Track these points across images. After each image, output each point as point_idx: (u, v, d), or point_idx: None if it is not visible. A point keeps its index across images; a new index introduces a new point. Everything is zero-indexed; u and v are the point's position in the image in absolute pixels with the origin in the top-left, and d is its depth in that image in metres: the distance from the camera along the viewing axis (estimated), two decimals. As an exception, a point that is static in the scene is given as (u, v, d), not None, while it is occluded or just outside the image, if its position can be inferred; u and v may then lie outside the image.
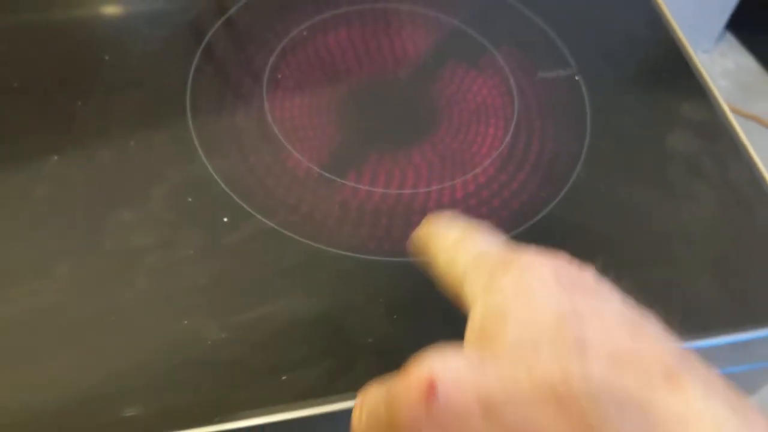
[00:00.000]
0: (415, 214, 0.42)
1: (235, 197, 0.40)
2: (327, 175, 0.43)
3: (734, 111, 1.00)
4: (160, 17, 0.47)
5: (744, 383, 0.45)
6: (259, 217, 0.40)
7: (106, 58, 0.45)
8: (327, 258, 0.39)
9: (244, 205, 0.40)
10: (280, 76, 0.47)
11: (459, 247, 0.27)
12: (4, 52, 0.44)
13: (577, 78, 0.48)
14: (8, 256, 0.36)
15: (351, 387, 0.34)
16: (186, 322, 0.35)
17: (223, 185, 0.41)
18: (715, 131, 0.46)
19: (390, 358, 0.34)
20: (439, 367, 0.21)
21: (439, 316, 0.36)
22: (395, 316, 0.37)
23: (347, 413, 0.33)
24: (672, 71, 0.50)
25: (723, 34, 1.07)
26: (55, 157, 0.40)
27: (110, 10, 0.47)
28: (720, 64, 1.08)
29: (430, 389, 0.20)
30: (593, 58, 0.49)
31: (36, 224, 0.38)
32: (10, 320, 0.34)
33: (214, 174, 0.41)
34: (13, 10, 0.46)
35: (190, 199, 0.40)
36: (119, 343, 0.34)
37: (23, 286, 0.35)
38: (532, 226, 0.41)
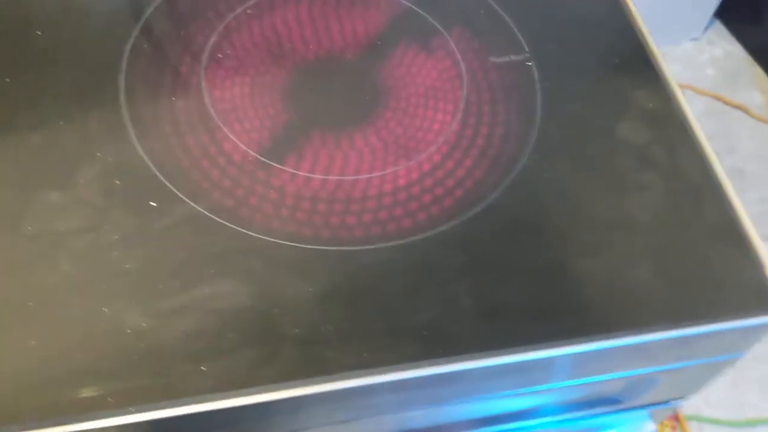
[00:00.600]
0: (354, 202, 0.41)
1: (165, 181, 0.39)
2: (264, 159, 0.41)
3: (720, 100, 0.99)
4: (84, 26, 0.45)
5: (686, 380, 0.45)
6: (190, 202, 0.39)
7: (39, 33, 0.43)
8: (259, 246, 0.37)
9: (175, 190, 0.39)
10: (220, 56, 0.45)
11: None
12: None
13: (529, 63, 0.47)
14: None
15: (274, 378, 0.33)
16: (106, 309, 0.34)
17: (153, 168, 0.39)
18: (668, 119, 0.45)
19: (316, 349, 0.33)
20: None
21: (369, 307, 0.35)
22: (325, 307, 0.36)
23: (270, 405, 0.32)
24: (628, 59, 0.48)
25: (712, 22, 1.06)
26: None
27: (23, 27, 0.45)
28: (708, 52, 1.07)
29: None
30: (548, 44, 0.48)
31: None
32: None
33: (144, 156, 0.40)
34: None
35: (117, 182, 0.38)
36: (36, 330, 0.33)
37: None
38: (475, 215, 0.40)
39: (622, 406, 0.48)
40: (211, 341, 0.34)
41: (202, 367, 0.33)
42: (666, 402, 0.50)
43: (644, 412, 0.50)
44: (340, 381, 0.34)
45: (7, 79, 0.41)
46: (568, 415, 0.48)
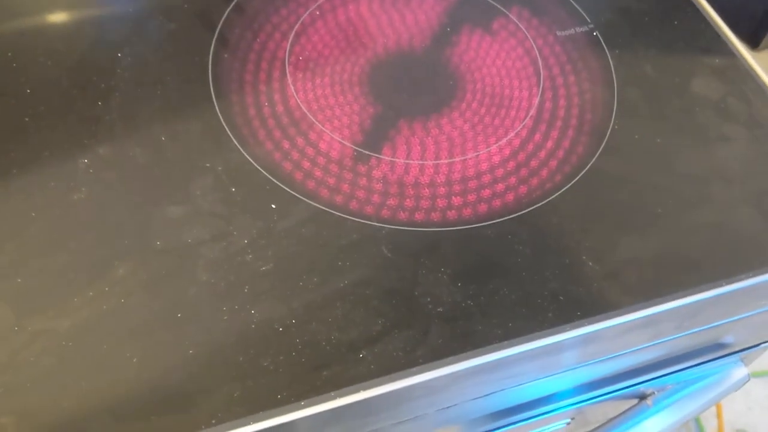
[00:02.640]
0: (455, 183, 0.42)
1: (278, 183, 0.40)
2: (362, 151, 0.42)
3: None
4: (168, 10, 0.46)
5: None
6: (306, 200, 0.39)
7: (119, 55, 0.44)
8: (383, 234, 0.38)
9: (289, 190, 0.39)
10: (300, 58, 0.46)
11: None
12: (9, 59, 0.43)
13: (595, 34, 0.48)
14: (61, 266, 0.35)
15: (430, 356, 0.34)
16: (254, 311, 0.35)
17: (264, 172, 0.40)
18: (737, 73, 0.46)
19: (462, 325, 0.34)
20: None
21: (502, 280, 0.36)
22: (459, 284, 0.37)
23: (428, 384, 0.33)
24: (684, 20, 0.50)
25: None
26: (85, 161, 0.39)
27: (115, 8, 0.45)
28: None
29: None
30: (606, 14, 0.50)
31: (81, 231, 0.36)
32: (77, 329, 0.33)
33: (252, 162, 0.40)
34: (14, 13, 0.44)
35: (233, 189, 0.39)
36: (190, 339, 0.33)
37: (83, 294, 0.34)
38: (577, 182, 0.41)
39: (724, 351, 0.49)
40: (362, 329, 0.35)
41: (360, 354, 0.34)
42: (758, 345, 0.51)
43: (736, 358, 0.52)
44: (493, 352, 0.34)
45: (100, 103, 0.41)
46: (673, 368, 0.49)
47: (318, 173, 0.41)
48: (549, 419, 0.50)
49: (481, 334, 0.35)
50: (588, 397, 0.49)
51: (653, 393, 0.52)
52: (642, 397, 0.53)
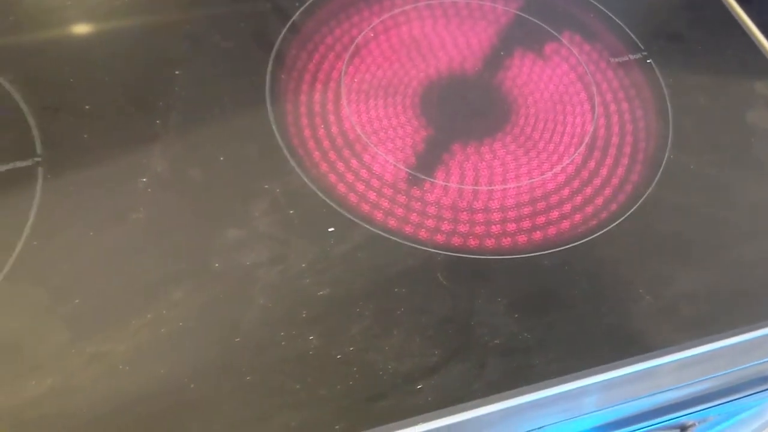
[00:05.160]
0: (510, 209, 0.41)
1: (334, 206, 0.40)
2: (416, 174, 0.42)
3: None
4: (225, 29, 0.46)
5: None
6: (362, 224, 0.39)
7: (177, 73, 0.44)
8: (436, 260, 0.38)
9: (345, 213, 0.39)
10: (355, 79, 0.46)
11: None
12: (68, 75, 0.43)
13: (649, 61, 0.48)
14: (119, 288, 0.35)
15: (487, 390, 0.34)
16: (311, 337, 0.35)
17: (320, 194, 0.40)
18: (794, 104, 0.46)
19: (519, 358, 0.34)
20: None
21: (559, 312, 0.36)
22: (516, 315, 0.36)
23: (484, 418, 0.33)
24: (737, 49, 0.49)
25: None
26: (144, 179, 0.39)
27: (175, 25, 0.46)
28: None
29: None
30: (660, 42, 0.49)
31: (139, 251, 0.36)
32: (135, 352, 0.33)
33: (309, 184, 0.40)
34: (72, 30, 0.45)
35: (291, 212, 0.39)
36: (247, 365, 0.33)
37: (141, 317, 0.34)
38: (633, 212, 0.41)
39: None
40: (419, 360, 0.34)
41: (418, 386, 0.34)
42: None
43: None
44: (549, 388, 0.34)
45: (158, 121, 0.42)
46: (718, 401, 0.48)
47: (372, 196, 0.41)
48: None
49: (538, 369, 0.35)
50: (631, 430, 0.48)
51: (694, 424, 0.52)
52: (683, 428, 0.52)
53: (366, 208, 0.40)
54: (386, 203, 0.41)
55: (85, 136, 0.41)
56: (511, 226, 0.41)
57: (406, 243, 0.39)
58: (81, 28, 0.45)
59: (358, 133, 0.44)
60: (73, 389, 0.32)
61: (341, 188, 0.41)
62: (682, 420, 0.49)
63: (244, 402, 0.33)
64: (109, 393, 0.32)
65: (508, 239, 0.40)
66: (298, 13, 0.48)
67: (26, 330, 0.33)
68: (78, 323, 0.34)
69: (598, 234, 0.40)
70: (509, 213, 0.42)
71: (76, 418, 0.31)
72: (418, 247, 0.39)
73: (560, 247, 0.39)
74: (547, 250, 0.39)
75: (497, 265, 0.38)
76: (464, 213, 0.41)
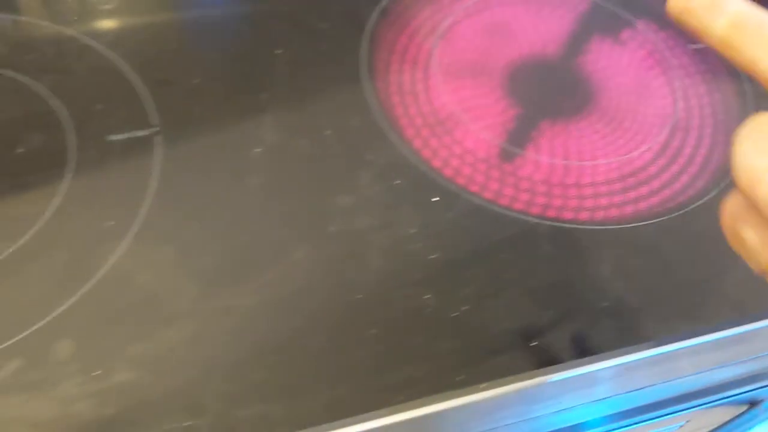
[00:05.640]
0: (600, 184, 0.43)
1: (436, 178, 0.41)
2: (508, 149, 0.44)
3: None
4: (321, 11, 0.48)
5: None
6: (464, 195, 0.41)
7: (278, 52, 0.46)
8: (538, 229, 0.40)
9: (447, 185, 0.41)
10: (445, 59, 0.48)
11: None
12: (176, 51, 0.45)
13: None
14: (243, 247, 0.37)
15: (600, 348, 0.35)
16: (427, 296, 0.36)
17: (421, 167, 0.42)
18: None
19: (629, 319, 0.35)
20: None
21: (660, 277, 0.37)
22: (620, 280, 0.38)
23: (600, 373, 0.34)
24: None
25: None
26: (258, 150, 0.41)
27: (274, 7, 0.48)
28: None
29: None
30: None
31: (259, 213, 0.38)
32: (261, 307, 0.35)
33: (409, 157, 0.42)
34: (181, 8, 0.47)
35: (398, 181, 0.40)
36: (371, 319, 0.35)
37: (265, 275, 0.36)
38: (724, 187, 0.42)
39: None
40: (531, 319, 0.36)
41: (532, 343, 0.35)
42: None
43: None
44: (662, 346, 0.36)
45: (264, 95, 0.43)
46: None
47: (467, 170, 0.43)
48: (665, 422, 0.51)
49: (649, 329, 0.36)
50: (701, 402, 0.50)
51: (765, 399, 0.53)
52: (753, 403, 0.53)
53: (462, 181, 0.42)
54: (481, 177, 0.43)
55: (197, 108, 0.42)
56: (603, 201, 0.42)
57: (507, 213, 0.40)
58: (188, 8, 0.47)
59: (450, 110, 0.46)
60: (206, 338, 0.34)
61: (437, 162, 0.43)
62: (753, 395, 0.50)
63: (369, 354, 0.34)
64: (240, 343, 0.34)
65: (601, 212, 0.42)
66: (387, -2, 0.49)
67: (159, 285, 0.35)
68: (206, 279, 0.36)
69: (690, 208, 0.41)
70: (600, 188, 0.43)
71: (211, 364, 0.33)
72: (518, 216, 0.40)
73: (653, 220, 0.41)
74: (641, 221, 0.41)
75: (595, 234, 0.40)
76: (557, 187, 0.43)
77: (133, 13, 0.46)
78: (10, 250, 0.36)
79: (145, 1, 0.47)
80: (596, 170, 0.44)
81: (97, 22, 0.46)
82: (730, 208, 0.20)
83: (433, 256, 0.38)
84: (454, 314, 0.36)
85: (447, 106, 0.46)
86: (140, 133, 0.40)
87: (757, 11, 0.20)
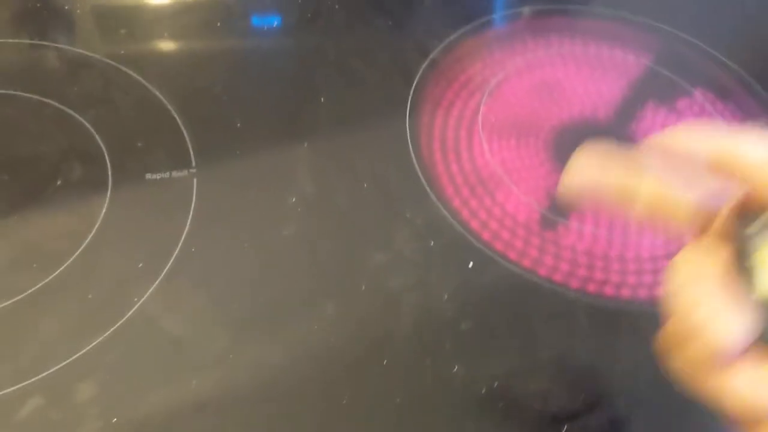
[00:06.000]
0: (645, 261, 0.41)
1: (473, 241, 0.40)
2: (550, 216, 0.42)
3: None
4: (369, 59, 0.47)
5: None
6: (500, 261, 0.39)
7: (322, 100, 0.45)
8: (577, 304, 0.38)
9: (483, 249, 0.40)
10: (491, 117, 0.47)
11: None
12: (220, 91, 0.45)
13: (786, 123, 0.48)
14: (273, 298, 0.36)
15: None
16: (456, 368, 0.35)
17: (458, 228, 0.40)
18: None
19: (668, 413, 0.33)
20: None
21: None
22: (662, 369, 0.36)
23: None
24: None
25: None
26: (293, 199, 0.40)
27: (322, 52, 0.47)
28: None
29: None
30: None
31: (290, 265, 0.37)
32: (289, 361, 0.34)
33: (448, 217, 0.41)
34: (224, 49, 0.47)
35: (434, 242, 0.39)
36: (397, 388, 0.34)
37: (295, 327, 0.35)
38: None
39: None
40: (562, 401, 0.34)
41: (563, 429, 0.33)
42: None
43: None
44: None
45: (305, 144, 0.43)
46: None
47: (506, 234, 0.41)
48: None
49: (687, 428, 0.34)
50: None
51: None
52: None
53: (500, 246, 0.41)
54: (520, 243, 0.41)
55: (237, 151, 0.42)
56: (647, 278, 0.41)
57: (544, 283, 0.39)
58: (234, 47, 0.47)
59: (492, 170, 0.44)
60: (232, 390, 0.33)
61: (475, 224, 0.42)
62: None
63: (391, 424, 0.33)
64: (265, 397, 0.33)
65: (645, 290, 0.40)
66: (437, 50, 0.49)
67: (187, 331, 0.34)
68: (235, 329, 0.35)
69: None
70: (645, 264, 0.41)
71: (235, 417, 0.32)
72: (557, 288, 0.39)
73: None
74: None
75: (638, 315, 0.38)
76: (599, 259, 0.41)
77: (182, 51, 0.46)
78: (40, 285, 0.35)
79: (194, 40, 0.47)
80: (641, 245, 0.42)
81: (145, 56, 0.46)
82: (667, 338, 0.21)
83: (464, 326, 0.36)
84: (483, 390, 0.34)
85: (489, 165, 0.45)
86: (178, 174, 0.40)
87: (667, 188, 0.21)
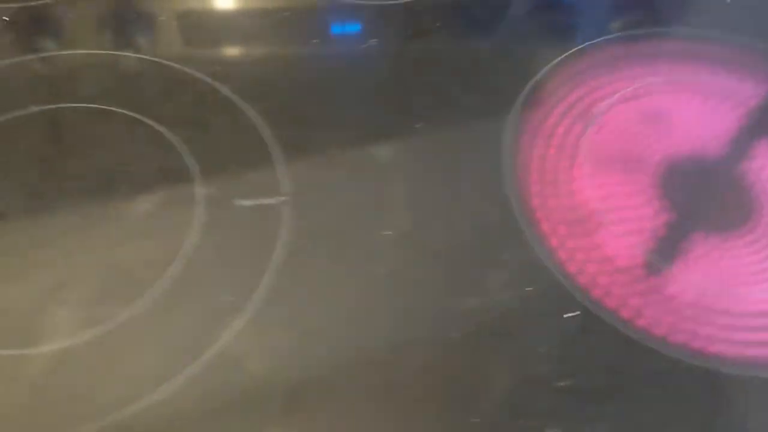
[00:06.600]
0: (757, 316, 0.38)
1: (572, 286, 0.38)
2: (653, 262, 0.40)
3: None
4: (467, 84, 0.45)
5: None
6: (600, 313, 0.37)
7: (418, 126, 0.43)
8: (684, 366, 0.35)
9: (581, 300, 0.37)
10: (592, 151, 0.44)
11: None
12: (315, 115, 0.43)
13: None
14: (362, 339, 0.35)
15: None
16: (552, 431, 0.33)
17: (556, 273, 0.38)
18: None
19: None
20: None
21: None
22: (771, 441, 0.33)
23: None
24: None
25: None
26: (387, 233, 0.39)
27: (418, 76, 0.46)
28: None
29: None
30: None
31: (382, 305, 0.36)
32: (374, 414, 0.33)
33: (545, 259, 0.39)
34: (323, 71, 0.45)
35: (530, 288, 0.37)
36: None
37: (383, 377, 0.34)
38: None
39: None
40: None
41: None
42: None
43: None
44: None
45: (400, 175, 0.41)
46: None
47: (604, 280, 0.39)
48: None
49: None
50: None
51: None
52: None
53: (599, 293, 0.38)
54: (619, 290, 0.39)
55: (329, 180, 0.41)
56: (764, 335, 0.38)
57: (645, 338, 0.36)
58: (331, 68, 0.46)
59: (593, 207, 0.42)
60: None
61: (572, 267, 0.39)
62: None
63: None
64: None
65: (754, 349, 0.37)
66: (539, 75, 0.46)
67: (271, 373, 0.33)
68: (319, 373, 0.34)
69: None
70: (756, 320, 0.38)
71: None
72: (659, 344, 0.36)
73: (818, 370, 0.36)
74: (802, 371, 0.36)
75: (747, 380, 0.35)
76: (706, 312, 0.38)
77: (276, 70, 0.45)
78: (121, 317, 0.35)
79: (289, 58, 0.46)
80: (753, 299, 0.39)
81: (238, 74, 0.45)
82: None
83: (562, 383, 0.34)
84: (584, 456, 0.32)
85: (590, 202, 0.42)
86: (268, 201, 0.39)
87: None
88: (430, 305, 0.36)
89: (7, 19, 0.47)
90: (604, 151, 0.45)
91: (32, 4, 0.48)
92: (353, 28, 0.48)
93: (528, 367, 0.35)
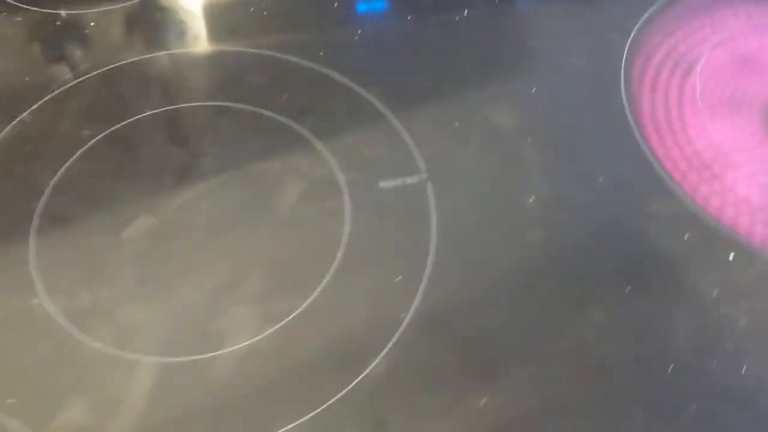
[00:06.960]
0: None
1: (721, 233, 0.38)
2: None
3: None
4: (572, 47, 0.45)
5: None
6: (757, 250, 0.38)
7: (534, 90, 0.43)
8: None
9: (737, 238, 0.38)
10: (707, 96, 0.45)
11: None
12: (432, 90, 0.43)
13: None
14: (527, 309, 0.35)
15: None
16: (745, 368, 0.33)
17: (706, 217, 0.39)
18: None
19: None
20: None
21: None
22: None
23: None
24: None
25: None
26: (532, 198, 0.39)
27: (531, 46, 0.45)
28: None
29: None
30: None
31: (541, 272, 0.36)
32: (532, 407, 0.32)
33: (689, 209, 0.39)
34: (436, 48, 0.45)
35: (686, 236, 0.38)
36: (686, 392, 0.33)
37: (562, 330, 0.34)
38: None
39: None
40: None
41: None
42: None
43: None
44: None
45: (528, 139, 0.41)
46: None
47: (744, 220, 0.40)
48: None
49: None
50: None
51: None
52: None
53: (744, 231, 0.39)
54: (761, 228, 0.40)
55: (461, 154, 0.41)
56: None
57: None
58: (446, 49, 0.45)
59: (714, 152, 0.42)
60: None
61: (714, 211, 0.40)
62: None
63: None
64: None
65: None
66: (636, 28, 0.47)
67: (455, 345, 0.33)
68: (515, 340, 0.33)
69: None
70: None
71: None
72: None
73: None
74: None
75: None
76: None
77: (384, 49, 0.45)
78: (299, 310, 0.34)
79: (392, 33, 0.45)
80: None
81: (345, 57, 0.44)
82: None
83: (742, 323, 0.35)
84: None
85: (709, 147, 0.43)
86: (411, 180, 0.39)
87: None
88: (594, 267, 0.36)
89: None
90: (709, 96, 0.45)
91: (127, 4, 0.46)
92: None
93: (707, 312, 0.35)
